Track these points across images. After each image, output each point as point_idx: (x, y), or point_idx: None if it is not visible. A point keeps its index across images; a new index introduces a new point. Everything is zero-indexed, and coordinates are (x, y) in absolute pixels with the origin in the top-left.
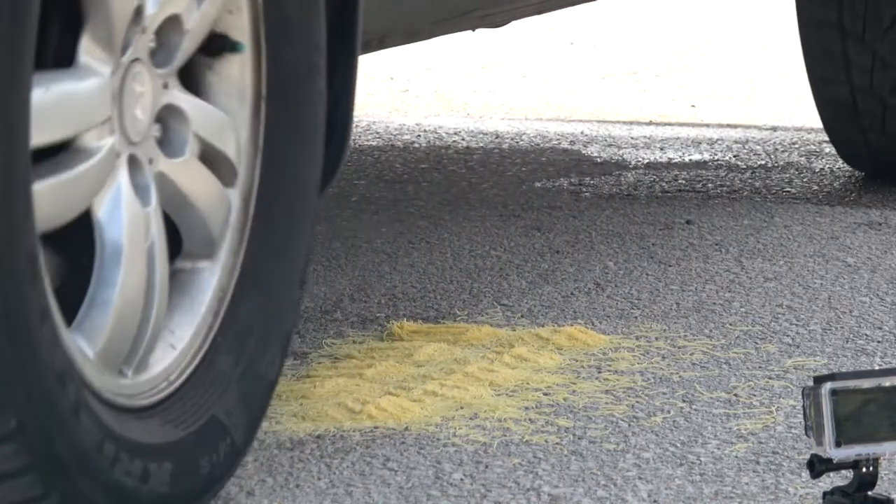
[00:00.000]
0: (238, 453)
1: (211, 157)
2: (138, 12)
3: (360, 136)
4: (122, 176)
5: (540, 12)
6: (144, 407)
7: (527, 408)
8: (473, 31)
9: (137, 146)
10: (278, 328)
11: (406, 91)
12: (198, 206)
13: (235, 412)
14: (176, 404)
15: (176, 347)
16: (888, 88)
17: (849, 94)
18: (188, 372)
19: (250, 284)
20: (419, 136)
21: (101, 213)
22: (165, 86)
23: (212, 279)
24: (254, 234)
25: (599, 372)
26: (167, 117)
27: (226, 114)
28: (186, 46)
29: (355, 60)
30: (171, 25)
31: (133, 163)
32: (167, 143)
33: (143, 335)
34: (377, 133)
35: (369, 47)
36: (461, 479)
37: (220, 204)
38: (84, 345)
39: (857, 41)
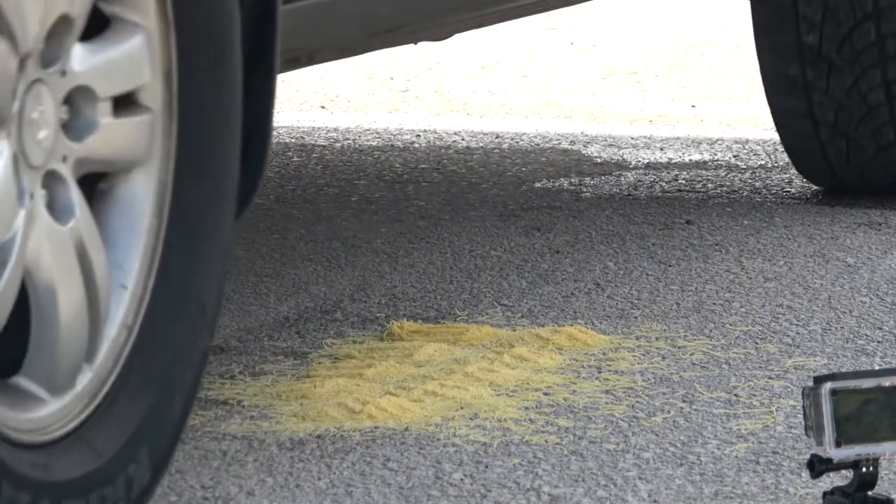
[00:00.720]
0: (207, 353)
1: (127, 97)
2: (24, 60)
3: (360, 136)
4: (42, 216)
5: (479, 26)
6: (112, 388)
7: (527, 408)
8: (415, 44)
9: (48, 162)
10: (225, 191)
11: (406, 91)
12: (124, 155)
13: (196, 319)
14: (142, 355)
15: (127, 286)
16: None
17: (806, 106)
18: (146, 303)
19: (189, 160)
20: (419, 136)
21: (28, 263)
22: (63, 73)
23: (149, 179)
24: (183, 107)
25: (599, 372)
26: (74, 97)
27: (130, 10)
28: (77, 31)
29: (273, 81)
30: (59, 25)
31: (49, 180)
32: (77, 123)
33: (96, 331)
34: (377, 133)
35: (297, 63)
36: (461, 479)
37: (144, 130)
38: (36, 389)
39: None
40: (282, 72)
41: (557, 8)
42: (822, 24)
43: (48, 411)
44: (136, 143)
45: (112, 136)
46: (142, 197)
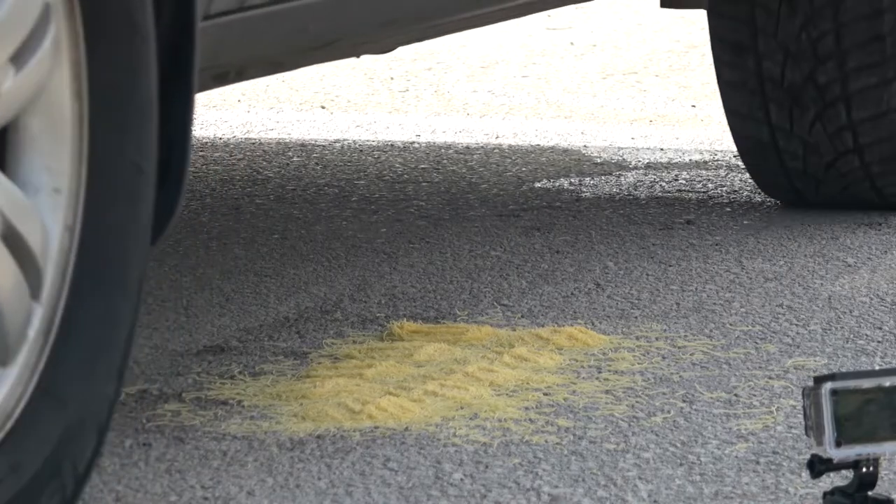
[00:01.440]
0: (149, 219)
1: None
2: None
3: (360, 136)
4: None
5: (420, 39)
6: (65, 309)
7: (527, 408)
8: (358, 57)
9: None
10: (145, 48)
11: (406, 91)
12: (36, 89)
13: (135, 185)
14: (88, 251)
15: (61, 188)
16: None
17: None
18: (83, 196)
19: (98, 29)
20: (419, 136)
21: None
22: None
23: (62, 67)
24: None
25: (599, 372)
26: None
27: None
28: None
29: (192, 98)
30: None
31: None
32: None
33: (37, 272)
34: (377, 133)
35: (225, 79)
36: (461, 479)
37: (48, 53)
38: None
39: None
40: (209, 88)
41: (505, 20)
42: (804, 156)
43: (8, 386)
44: (44, 69)
45: (18, 90)
46: (58, 88)
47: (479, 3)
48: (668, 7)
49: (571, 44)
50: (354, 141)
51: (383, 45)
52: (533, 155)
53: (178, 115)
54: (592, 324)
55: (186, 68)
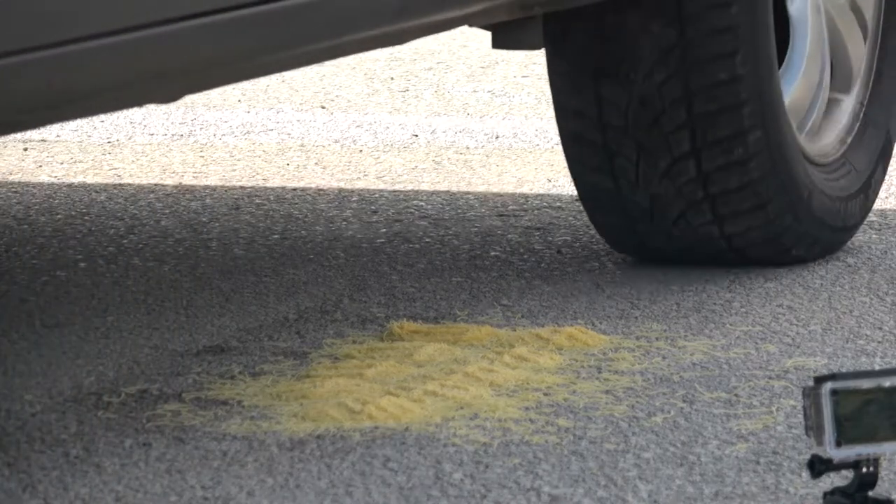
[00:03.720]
0: None
1: None
2: None
3: (360, 136)
4: None
5: (203, 89)
6: None
7: (527, 408)
8: (141, 106)
9: None
10: None
11: (406, 91)
12: None
13: None
14: None
15: None
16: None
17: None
18: None
19: None
20: (419, 136)
21: None
22: None
23: None
24: None
25: (599, 372)
26: None
27: None
28: None
29: None
30: None
31: None
32: None
33: None
34: (377, 133)
35: None
36: (461, 480)
37: None
38: None
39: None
40: None
41: (278, 72)
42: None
43: None
44: None
45: None
46: None
47: (220, 62)
48: (499, 48)
49: None
50: (354, 141)
51: (166, 96)
52: (533, 155)
53: None
54: (592, 324)
55: None
